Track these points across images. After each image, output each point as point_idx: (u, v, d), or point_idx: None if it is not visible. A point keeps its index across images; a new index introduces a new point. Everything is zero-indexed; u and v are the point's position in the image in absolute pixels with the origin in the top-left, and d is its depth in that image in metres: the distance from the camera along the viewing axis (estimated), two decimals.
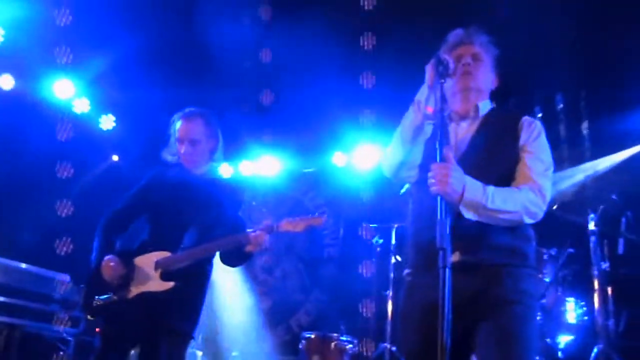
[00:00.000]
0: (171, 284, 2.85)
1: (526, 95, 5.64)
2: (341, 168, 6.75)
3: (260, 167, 7.11)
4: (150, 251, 2.95)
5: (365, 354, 4.77)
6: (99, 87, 6.23)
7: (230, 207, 3.11)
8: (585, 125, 5.62)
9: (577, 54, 4.97)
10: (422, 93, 2.14)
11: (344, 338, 4.30)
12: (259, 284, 6.95)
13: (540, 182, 2.09)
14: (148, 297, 2.86)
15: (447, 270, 1.76)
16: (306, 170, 7.05)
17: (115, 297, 2.88)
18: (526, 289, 2.05)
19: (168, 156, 3.19)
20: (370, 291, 5.26)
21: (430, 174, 1.92)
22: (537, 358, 3.93)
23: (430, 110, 2.05)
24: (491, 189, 2.00)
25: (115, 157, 7.15)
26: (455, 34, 2.34)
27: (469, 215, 1.99)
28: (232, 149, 7.07)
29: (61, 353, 4.48)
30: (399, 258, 4.87)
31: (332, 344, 4.21)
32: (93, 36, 5.37)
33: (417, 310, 2.09)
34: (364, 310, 5.55)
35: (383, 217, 5.35)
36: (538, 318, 4.19)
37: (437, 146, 1.93)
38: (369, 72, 5.87)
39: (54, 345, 4.52)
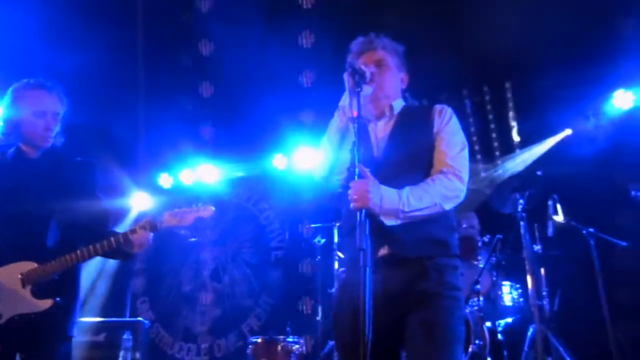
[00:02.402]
0: (49, 302, 2.52)
1: (456, 90, 5.85)
2: (282, 171, 6.78)
3: (201, 174, 7.07)
4: (9, 262, 2.55)
5: (313, 352, 4.84)
6: None
7: (87, 189, 2.77)
8: (511, 116, 5.85)
9: (502, 46, 5.17)
10: (345, 99, 2.22)
11: (290, 339, 4.35)
12: (208, 291, 6.93)
13: (455, 164, 2.20)
14: (23, 321, 2.50)
15: (367, 269, 1.85)
16: (247, 175, 7.04)
17: None
18: (450, 281, 2.14)
19: (1, 139, 2.75)
20: (316, 290, 5.33)
21: (350, 192, 2.00)
22: (477, 343, 4.10)
23: (355, 114, 2.11)
24: (405, 192, 2.08)
25: None
26: (358, 43, 2.42)
27: (390, 222, 2.07)
28: (172, 158, 7.05)
29: None
30: (341, 255, 4.96)
31: (279, 346, 4.26)
32: (23, 56, 5.23)
33: (348, 307, 2.14)
34: (311, 309, 5.62)
35: (324, 216, 5.43)
36: (477, 303, 4.38)
37: (356, 162, 2.02)
38: (307, 71, 5.94)
39: None
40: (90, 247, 2.59)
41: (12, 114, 2.71)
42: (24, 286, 2.53)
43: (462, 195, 2.19)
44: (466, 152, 2.27)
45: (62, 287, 2.59)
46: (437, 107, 2.34)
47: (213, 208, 2.74)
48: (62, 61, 5.24)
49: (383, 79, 2.33)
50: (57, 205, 2.63)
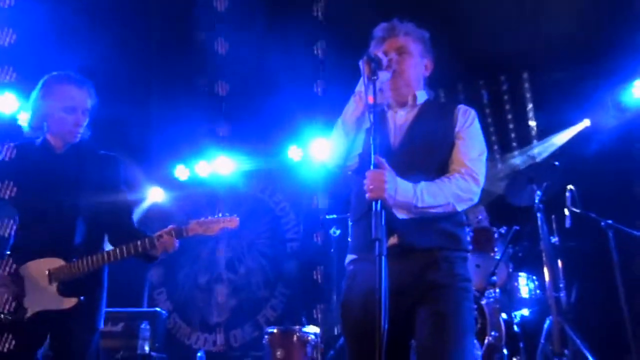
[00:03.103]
0: (73, 301, 2.54)
1: (473, 80, 5.79)
2: (297, 162, 6.79)
3: (217, 166, 7.10)
4: (37, 257, 2.58)
5: (328, 342, 4.85)
6: None
7: (113, 183, 2.79)
8: (529, 106, 5.79)
9: (517, 36, 5.12)
10: (362, 84, 2.18)
11: (305, 330, 4.36)
12: (224, 282, 6.98)
13: (474, 166, 2.18)
14: (48, 317, 2.53)
15: (383, 258, 1.82)
16: (262, 167, 7.05)
17: (8, 317, 2.51)
18: (460, 273, 2.13)
19: (29, 131, 2.73)
20: (331, 282, 5.34)
21: (365, 181, 1.97)
22: (493, 335, 4.08)
23: (372, 100, 2.08)
24: (421, 187, 2.06)
25: None
26: (380, 29, 2.38)
27: (402, 215, 2.05)
28: (188, 151, 7.08)
29: None
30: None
31: (295, 337, 4.27)
32: (36, 50, 5.27)
33: (358, 298, 2.13)
34: (326, 300, 5.63)
35: (340, 208, 5.43)
36: (493, 294, 4.36)
37: (372, 150, 1.98)
38: (321, 66, 5.92)
39: None
40: (117, 250, 2.62)
41: (42, 108, 2.68)
42: (50, 283, 2.55)
43: (476, 199, 2.18)
44: (485, 157, 2.26)
45: (88, 285, 2.62)
46: (462, 107, 2.33)
47: (238, 219, 2.74)
48: (73, 55, 5.26)
49: (404, 67, 2.30)
50: (84, 201, 2.64)
